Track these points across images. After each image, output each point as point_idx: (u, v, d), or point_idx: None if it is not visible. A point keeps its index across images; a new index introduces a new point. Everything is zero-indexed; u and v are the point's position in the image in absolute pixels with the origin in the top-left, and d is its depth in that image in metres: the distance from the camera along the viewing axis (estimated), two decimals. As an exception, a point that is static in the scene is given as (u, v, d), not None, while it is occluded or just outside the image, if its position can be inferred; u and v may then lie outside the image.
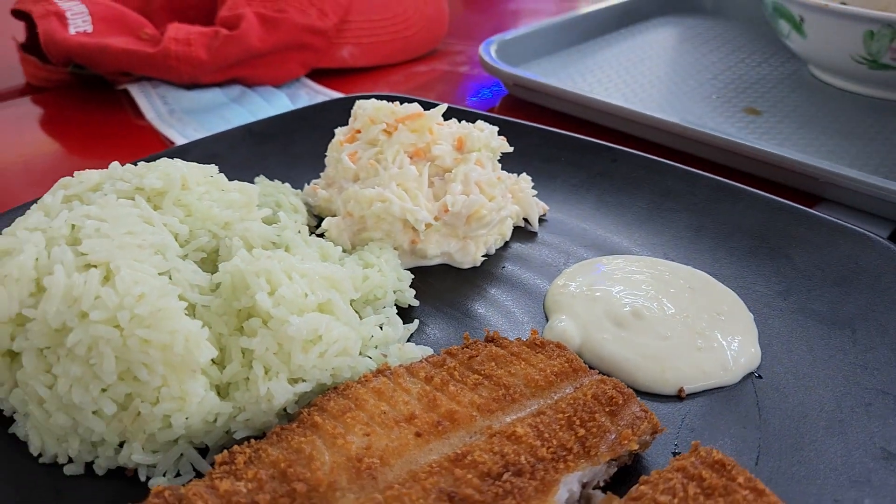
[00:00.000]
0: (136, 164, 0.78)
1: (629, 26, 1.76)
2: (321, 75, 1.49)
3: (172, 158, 0.99)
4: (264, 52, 1.38)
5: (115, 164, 0.77)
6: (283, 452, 0.56)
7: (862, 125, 1.29)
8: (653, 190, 0.98)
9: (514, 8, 2.13)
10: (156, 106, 1.34)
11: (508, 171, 1.01)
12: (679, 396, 0.70)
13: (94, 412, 0.59)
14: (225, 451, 0.56)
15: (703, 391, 0.70)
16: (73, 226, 0.66)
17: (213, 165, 0.81)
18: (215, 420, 0.62)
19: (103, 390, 0.59)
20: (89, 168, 1.17)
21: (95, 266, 0.61)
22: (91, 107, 1.39)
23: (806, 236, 0.86)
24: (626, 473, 0.62)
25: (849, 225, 0.85)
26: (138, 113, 1.34)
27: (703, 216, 0.93)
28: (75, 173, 0.75)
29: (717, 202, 0.94)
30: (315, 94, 1.42)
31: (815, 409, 0.67)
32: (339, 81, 1.48)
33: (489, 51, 1.40)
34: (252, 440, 0.58)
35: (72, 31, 1.36)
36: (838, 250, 0.83)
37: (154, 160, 1.00)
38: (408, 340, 0.76)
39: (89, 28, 1.38)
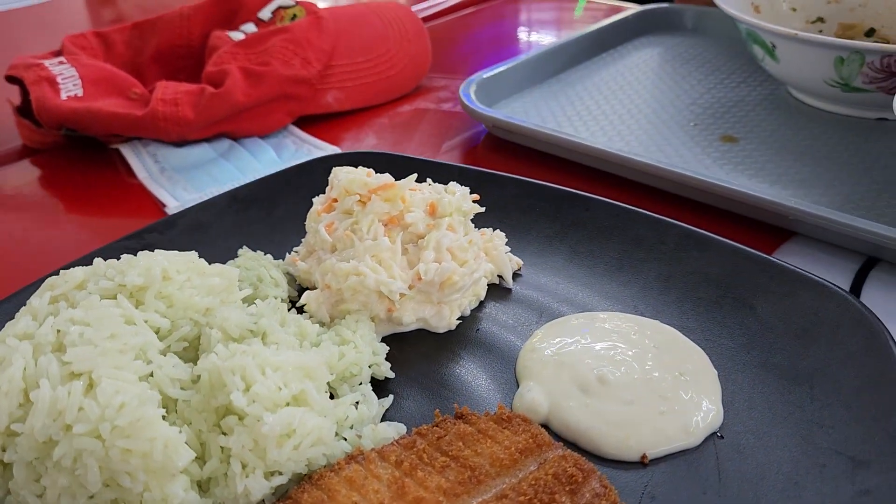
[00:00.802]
0: (126, 251, 0.81)
1: (610, 50, 1.78)
2: (307, 121, 1.53)
3: (161, 232, 1.05)
4: (249, 105, 1.41)
5: (98, 260, 0.81)
6: None
7: (838, 146, 1.31)
8: (623, 239, 1.01)
9: (495, 33, 2.15)
10: (147, 165, 1.39)
11: (484, 224, 1.04)
12: (642, 462, 0.73)
13: (82, 519, 0.63)
14: None
15: (666, 455, 0.73)
16: (59, 331, 0.70)
17: (192, 252, 0.84)
18: (197, 517, 0.66)
19: (90, 498, 0.63)
20: (86, 231, 1.23)
21: (79, 376, 0.65)
22: (85, 167, 1.43)
23: (769, 286, 0.89)
24: (589, 548, 0.65)
25: (808, 275, 0.87)
26: (131, 172, 1.38)
27: (672, 265, 0.96)
28: (60, 272, 0.79)
29: (684, 250, 0.97)
30: (301, 142, 1.46)
31: (773, 470, 0.70)
32: (325, 127, 1.52)
33: (469, 92, 1.43)
34: None
35: (63, 96, 1.40)
36: (799, 300, 0.86)
37: (142, 234, 1.05)
38: (383, 416, 0.79)
39: (80, 92, 1.42)
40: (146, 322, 0.74)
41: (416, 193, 0.96)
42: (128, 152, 1.42)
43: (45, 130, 1.45)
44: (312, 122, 1.53)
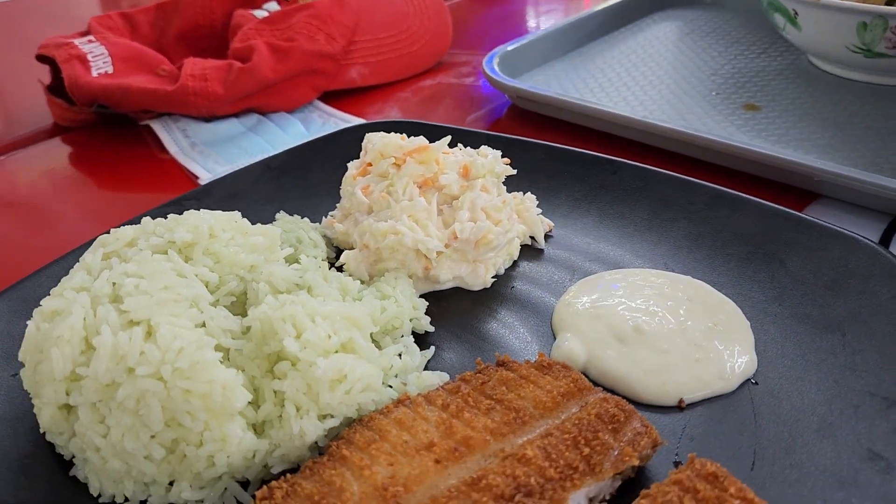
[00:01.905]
0: (166, 217, 0.84)
1: (630, 24, 1.79)
2: (332, 96, 1.55)
3: (198, 199, 1.07)
4: (276, 80, 1.44)
5: (147, 219, 0.83)
6: (316, 486, 0.63)
7: (859, 113, 1.32)
8: (652, 200, 1.03)
9: (515, 10, 2.16)
10: (177, 140, 1.41)
11: (514, 188, 1.06)
12: (679, 407, 0.75)
13: (145, 457, 0.66)
14: (264, 486, 0.63)
15: (702, 400, 0.75)
16: (114, 284, 0.72)
17: (236, 212, 0.87)
18: (254, 457, 0.68)
19: (152, 437, 0.65)
20: (120, 205, 1.25)
21: (138, 323, 0.68)
22: (117, 144, 1.46)
23: (798, 241, 0.90)
24: (631, 485, 0.68)
25: (839, 229, 0.89)
26: (161, 147, 1.41)
27: (701, 225, 0.97)
28: (111, 231, 0.82)
29: (714, 210, 0.98)
30: (327, 116, 1.48)
31: (807, 412, 0.72)
32: (350, 101, 1.54)
33: (492, 63, 1.44)
34: (288, 474, 0.65)
35: (94, 73, 1.43)
36: (829, 254, 0.88)
37: (181, 201, 1.08)
38: (425, 367, 0.82)
39: (110, 69, 1.45)
40: (196, 276, 0.77)
41: (449, 156, 0.98)
42: (158, 128, 1.44)
43: (78, 108, 1.48)
44: (337, 98, 1.55)
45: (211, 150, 1.37)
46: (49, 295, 0.75)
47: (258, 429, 0.70)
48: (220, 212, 0.85)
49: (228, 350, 0.73)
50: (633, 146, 1.26)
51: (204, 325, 0.72)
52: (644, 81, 1.51)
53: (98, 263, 0.77)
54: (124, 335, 0.66)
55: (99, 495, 0.69)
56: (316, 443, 0.70)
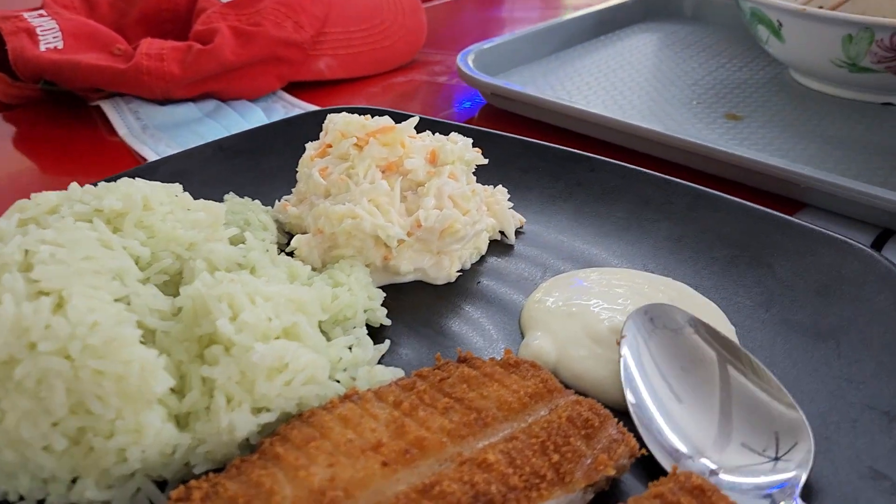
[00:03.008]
0: (96, 185, 0.75)
1: (608, 34, 1.75)
2: (297, 88, 1.47)
3: (137, 177, 0.98)
4: (238, 65, 1.36)
5: (74, 185, 0.74)
6: (241, 487, 0.54)
7: (843, 129, 1.27)
8: (631, 199, 0.96)
9: (492, 16, 2.12)
10: (128, 122, 1.32)
11: (484, 183, 0.99)
12: (657, 415, 0.68)
13: (43, 448, 0.56)
14: (181, 486, 0.54)
15: (684, 409, 0.68)
16: (27, 251, 0.63)
17: (177, 184, 0.78)
18: (173, 452, 0.59)
19: (53, 424, 0.56)
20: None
21: (47, 294, 0.59)
22: (63, 123, 1.36)
23: (786, 245, 0.84)
24: (604, 499, 0.60)
25: (830, 233, 0.83)
26: (111, 129, 1.31)
27: (683, 225, 0.91)
28: (32, 195, 0.73)
29: (696, 211, 0.92)
30: (291, 107, 1.40)
31: (799, 425, 0.65)
32: (316, 94, 1.46)
33: (466, 60, 1.38)
34: (211, 474, 0.56)
35: (42, 47, 1.34)
36: (820, 259, 0.82)
37: (120, 178, 0.98)
38: (378, 362, 0.74)
39: (60, 44, 1.35)
40: (125, 249, 0.68)
41: (416, 141, 0.91)
42: (108, 108, 1.35)
43: (22, 84, 1.38)
44: (303, 90, 1.47)
45: (163, 135, 1.28)
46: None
47: (181, 421, 0.61)
48: (157, 183, 0.77)
49: (154, 332, 0.64)
50: (610, 149, 1.20)
51: (128, 300, 0.63)
52: (622, 87, 1.46)
53: (11, 230, 0.68)
54: (29, 306, 0.57)
55: (-11, 493, 0.60)
56: (247, 440, 0.61)
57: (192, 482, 0.54)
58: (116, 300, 0.62)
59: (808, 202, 1.05)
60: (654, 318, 0.72)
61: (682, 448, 0.62)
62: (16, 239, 0.64)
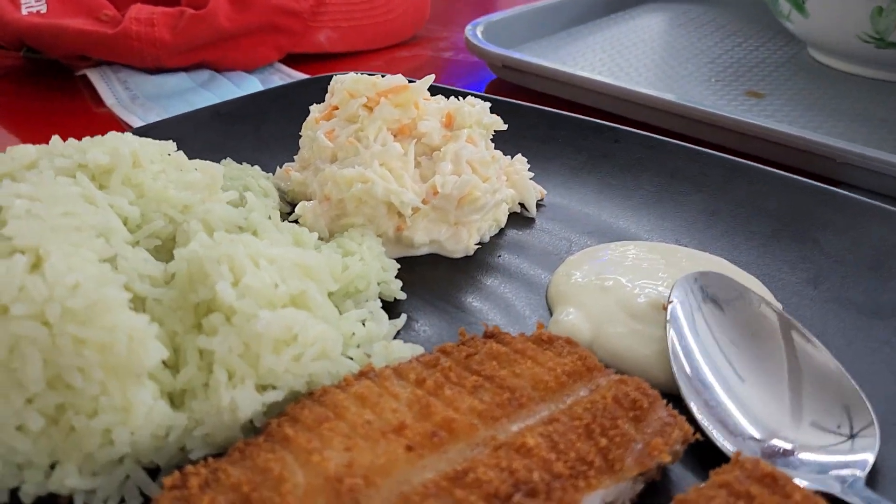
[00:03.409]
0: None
1: (619, 11, 1.68)
2: (296, 61, 1.40)
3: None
4: (234, 33, 1.28)
5: (56, 138, 0.67)
6: (246, 473, 0.47)
7: (870, 108, 1.21)
8: (660, 172, 0.90)
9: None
10: (116, 92, 1.24)
11: (503, 153, 0.92)
12: (705, 397, 0.61)
13: (16, 428, 0.49)
14: (176, 471, 0.47)
15: (734, 391, 0.62)
16: (0, 207, 0.56)
17: (170, 141, 0.71)
18: (167, 435, 0.51)
19: (28, 401, 0.49)
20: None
21: (22, 252, 0.51)
22: (47, 94, 1.28)
23: (833, 218, 0.78)
24: (654, 490, 0.53)
25: (881, 204, 0.77)
26: (98, 100, 1.24)
27: (717, 199, 0.85)
28: (8, 149, 0.65)
29: (731, 183, 0.86)
30: (289, 79, 1.33)
31: (864, 410, 0.59)
32: (316, 67, 1.39)
33: (475, 32, 1.31)
34: (210, 459, 0.49)
35: (24, 10, 1.26)
36: (870, 232, 0.75)
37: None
38: (394, 338, 0.66)
39: (43, 8, 1.27)
40: (111, 207, 0.60)
41: (430, 103, 0.84)
42: (95, 77, 1.27)
43: (3, 52, 1.30)
44: (303, 62, 1.40)
45: (154, 104, 1.20)
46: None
47: (175, 399, 0.54)
48: (149, 140, 0.69)
49: (145, 300, 0.57)
50: (628, 125, 1.13)
51: (114, 262, 0.56)
52: (637, 63, 1.39)
53: (-16, 184, 0.60)
54: (1, 264, 0.50)
55: (-48, 480, 0.52)
56: (251, 421, 0.53)
57: (189, 467, 0.47)
58: (102, 261, 0.54)
59: (844, 180, 0.98)
60: (705, 286, 0.65)
61: (751, 428, 0.55)
62: (-13, 193, 0.57)
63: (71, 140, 0.67)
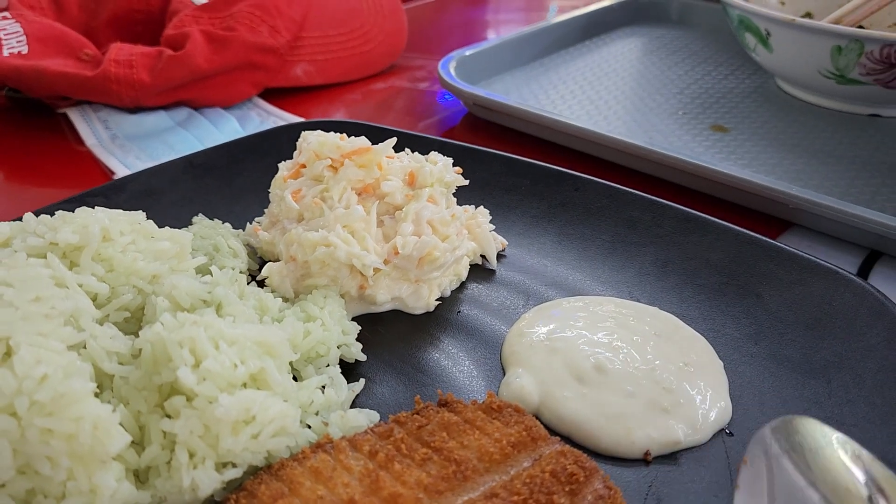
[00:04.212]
0: (52, 215, 0.71)
1: (594, 38, 1.72)
2: (274, 94, 1.43)
3: (106, 196, 0.94)
4: (211, 72, 1.31)
5: (29, 216, 0.70)
6: None
7: (831, 141, 1.25)
8: (617, 221, 0.93)
9: (476, 18, 2.07)
10: (96, 131, 1.27)
11: (466, 202, 0.96)
12: (645, 460, 0.65)
13: (-10, 512, 0.53)
14: None
15: (672, 453, 0.65)
16: (-26, 292, 0.59)
17: (140, 212, 0.74)
18: (132, 512, 0.55)
19: (0, 486, 0.52)
20: (25, 201, 1.11)
21: (-7, 342, 0.55)
22: (29, 132, 1.31)
23: (776, 273, 0.82)
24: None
25: (820, 262, 0.80)
26: (79, 138, 1.27)
27: (670, 250, 0.88)
28: (-18, 228, 0.69)
29: (684, 234, 0.89)
30: (267, 115, 1.36)
31: (791, 472, 0.62)
32: (293, 101, 1.42)
33: (448, 68, 1.34)
34: None
35: (5, 52, 1.28)
36: (810, 289, 0.79)
37: (85, 197, 0.94)
38: (353, 403, 0.70)
39: (25, 49, 1.30)
40: (81, 286, 0.64)
41: (393, 162, 0.87)
42: (76, 117, 1.30)
43: (-15, 90, 1.33)
44: (280, 96, 1.43)
45: (132, 145, 1.23)
46: None
47: (141, 475, 0.57)
48: (119, 211, 0.73)
49: (112, 378, 0.60)
50: (594, 163, 1.17)
51: (84, 346, 0.59)
52: (608, 96, 1.43)
53: (-41, 266, 0.63)
54: (-27, 357, 0.53)
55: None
56: (212, 496, 0.57)
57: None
58: (69, 347, 0.57)
59: (796, 221, 1.02)
60: (786, 436, 0.56)
61: None
62: (-40, 278, 0.60)
63: (43, 217, 0.70)
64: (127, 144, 1.23)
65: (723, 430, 0.67)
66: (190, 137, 1.25)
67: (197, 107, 1.35)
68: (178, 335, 0.59)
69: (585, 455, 0.60)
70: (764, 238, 0.86)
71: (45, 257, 0.65)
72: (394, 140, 0.86)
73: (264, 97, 1.42)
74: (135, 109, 1.31)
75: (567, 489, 0.56)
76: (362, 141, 0.85)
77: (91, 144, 1.24)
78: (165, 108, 1.33)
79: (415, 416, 0.63)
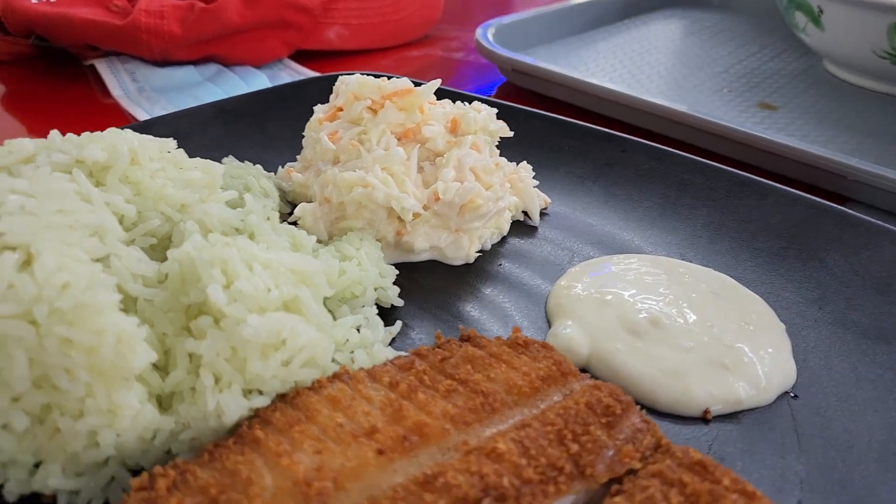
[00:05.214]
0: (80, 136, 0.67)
1: (633, 17, 1.67)
2: (305, 57, 1.39)
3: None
4: (244, 28, 1.27)
5: (55, 132, 0.66)
6: (215, 475, 0.46)
7: (883, 123, 1.19)
8: (667, 183, 0.88)
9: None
10: (123, 83, 1.24)
11: (508, 159, 0.91)
12: (704, 419, 0.60)
13: (1, 426, 0.48)
14: (144, 472, 0.46)
15: (733, 413, 0.60)
16: (-6, 201, 0.55)
17: (170, 139, 0.70)
18: (153, 438, 0.51)
19: (14, 400, 0.48)
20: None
21: (14, 248, 0.51)
22: (54, 82, 1.28)
23: (841, 238, 0.77)
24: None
25: (890, 227, 0.75)
26: (105, 90, 1.23)
27: (724, 213, 0.83)
28: (6, 142, 0.65)
29: (739, 198, 0.84)
30: (298, 76, 1.32)
31: (864, 437, 0.57)
32: (325, 64, 1.38)
33: (486, 34, 1.30)
34: (179, 460, 0.48)
35: (34, -1, 1.25)
36: (879, 254, 0.74)
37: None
38: (389, 345, 0.66)
39: (53, -4, 1.27)
40: (107, 205, 0.59)
41: (435, 108, 0.83)
42: (102, 68, 1.27)
43: (13, 38, 1.30)
44: (311, 59, 1.39)
45: (160, 97, 1.20)
46: None
47: (164, 401, 0.53)
48: (148, 137, 0.68)
49: (136, 300, 0.56)
50: (636, 134, 1.12)
51: (107, 261, 0.55)
52: (650, 71, 1.38)
53: (-21, 178, 0.59)
54: (-9, 261, 0.49)
55: (-66, 478, 0.51)
56: (238, 426, 0.53)
57: (157, 468, 0.46)
58: (94, 260, 0.53)
59: (852, 196, 0.97)
60: None
61: None
62: (-20, 188, 0.56)
63: (70, 135, 0.66)
64: (154, 96, 1.20)
65: (787, 392, 0.62)
66: (219, 92, 1.21)
67: (227, 63, 1.31)
68: (209, 254, 0.54)
69: (620, 388, 0.55)
70: (825, 202, 0.81)
71: (70, 174, 0.60)
72: (438, 82, 0.82)
73: (295, 59, 1.38)
74: (163, 63, 1.28)
75: (603, 421, 0.52)
76: (404, 82, 0.81)
77: (117, 95, 1.20)
78: (194, 63, 1.29)
79: (436, 349, 0.59)
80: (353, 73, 0.99)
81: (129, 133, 0.66)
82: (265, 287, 0.54)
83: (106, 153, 0.62)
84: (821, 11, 1.25)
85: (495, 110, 0.85)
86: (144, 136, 0.68)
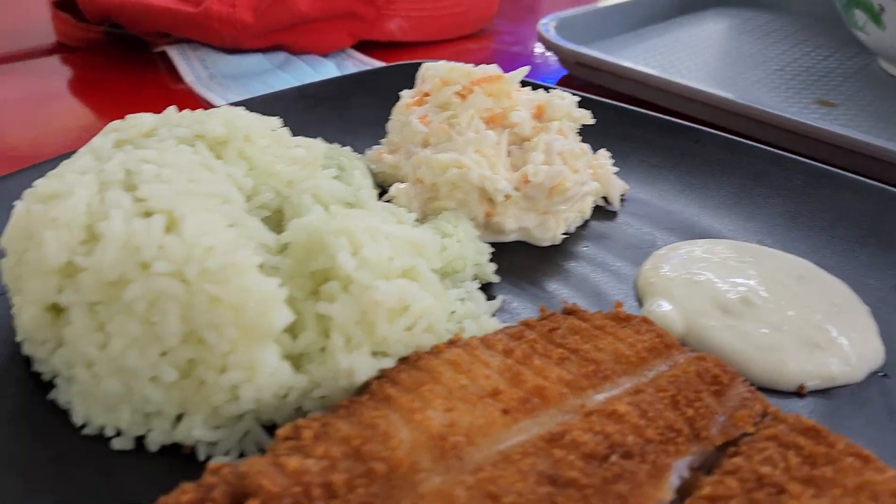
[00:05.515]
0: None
1: (686, 14, 1.68)
2: (366, 48, 1.42)
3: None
4: (312, 18, 1.30)
5: (172, 108, 0.69)
6: (355, 428, 0.48)
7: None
8: (742, 174, 0.90)
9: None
10: (195, 69, 1.27)
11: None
12: (799, 393, 0.62)
13: (150, 378, 0.51)
14: (289, 424, 0.49)
15: (826, 389, 0.62)
16: (129, 171, 0.58)
17: (276, 118, 0.73)
18: (287, 395, 0.54)
19: (163, 354, 0.51)
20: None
21: (158, 214, 0.54)
22: (126, 69, 1.31)
23: (924, 229, 0.78)
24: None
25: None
26: (175, 77, 1.27)
27: (800, 203, 0.85)
28: (127, 117, 0.68)
29: (814, 189, 0.86)
30: (363, 65, 1.35)
31: (956, 415, 0.59)
32: (386, 55, 1.40)
33: (549, 27, 1.32)
34: (318, 414, 0.51)
35: (110, -13, 1.29)
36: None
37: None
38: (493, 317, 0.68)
39: (128, -15, 1.30)
40: (228, 177, 0.62)
41: (521, 94, 0.85)
42: (174, 54, 1.30)
43: (87, 25, 1.34)
44: (372, 49, 1.42)
45: (232, 83, 1.23)
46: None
47: (295, 362, 0.56)
48: (257, 115, 0.71)
49: (261, 267, 0.59)
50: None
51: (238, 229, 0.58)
52: (707, 68, 1.40)
53: (109, 149, 0.63)
54: (140, 223, 0.52)
55: (83, 425, 0.54)
56: (366, 385, 0.55)
57: (301, 420, 0.49)
58: (228, 226, 0.56)
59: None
60: None
61: None
62: (117, 157, 0.59)
63: (186, 111, 0.69)
64: (226, 82, 1.23)
65: (876, 371, 0.64)
66: (290, 79, 1.24)
67: (293, 51, 1.34)
68: (334, 225, 0.57)
69: (723, 361, 0.57)
70: (905, 193, 0.82)
71: (192, 146, 0.64)
72: (526, 69, 0.84)
73: (357, 49, 1.41)
74: (232, 51, 1.31)
75: (713, 389, 0.54)
76: (493, 68, 0.83)
77: (190, 81, 1.24)
78: (263, 51, 1.32)
79: (543, 321, 0.61)
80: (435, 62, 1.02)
81: (241, 111, 0.69)
82: (388, 256, 0.57)
83: (224, 128, 0.65)
84: (882, 9, 1.26)
85: (576, 98, 0.87)
86: (253, 114, 0.71)
